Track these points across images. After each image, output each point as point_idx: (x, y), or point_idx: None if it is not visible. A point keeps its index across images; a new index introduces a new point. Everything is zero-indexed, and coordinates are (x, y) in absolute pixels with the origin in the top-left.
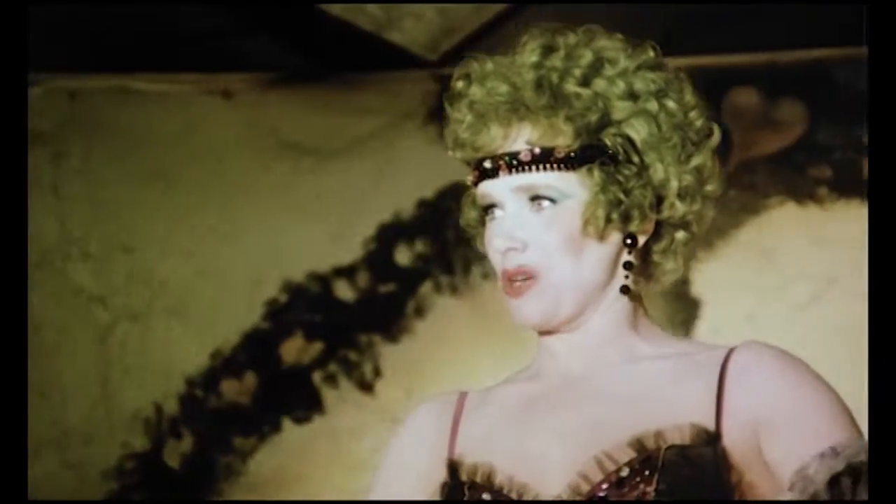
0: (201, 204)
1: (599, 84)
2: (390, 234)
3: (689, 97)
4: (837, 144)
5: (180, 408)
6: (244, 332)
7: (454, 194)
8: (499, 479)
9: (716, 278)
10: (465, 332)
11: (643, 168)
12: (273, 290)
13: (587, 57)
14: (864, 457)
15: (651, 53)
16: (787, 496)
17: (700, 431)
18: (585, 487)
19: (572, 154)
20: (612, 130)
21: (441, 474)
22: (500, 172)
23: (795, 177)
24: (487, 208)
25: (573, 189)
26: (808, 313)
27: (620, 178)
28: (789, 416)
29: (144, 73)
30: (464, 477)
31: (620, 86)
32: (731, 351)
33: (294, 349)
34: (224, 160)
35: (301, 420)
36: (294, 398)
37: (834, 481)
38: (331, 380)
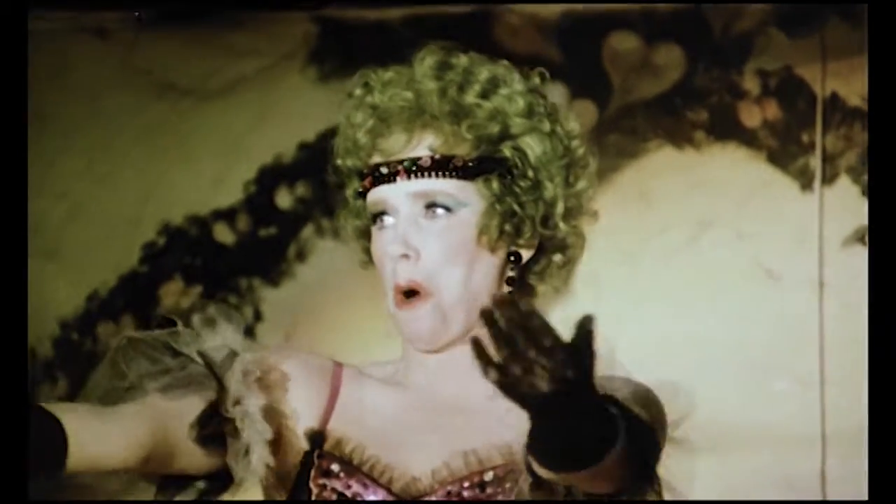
0: (76, 144)
1: (497, 99)
2: (271, 177)
3: (573, 126)
4: (713, 88)
5: (55, 351)
6: (121, 274)
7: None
8: (349, 449)
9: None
10: (346, 277)
11: (536, 183)
12: (151, 233)
13: (484, 73)
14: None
15: (538, 80)
16: None
17: None
18: (447, 476)
19: (471, 163)
20: (510, 143)
21: (301, 442)
22: (398, 178)
23: (673, 121)
24: (377, 216)
25: (469, 198)
26: (684, 255)
27: (517, 189)
28: None
29: None
30: (326, 447)
31: (518, 102)
32: None
33: (173, 292)
34: (99, 100)
35: None
36: None
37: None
38: (210, 324)
